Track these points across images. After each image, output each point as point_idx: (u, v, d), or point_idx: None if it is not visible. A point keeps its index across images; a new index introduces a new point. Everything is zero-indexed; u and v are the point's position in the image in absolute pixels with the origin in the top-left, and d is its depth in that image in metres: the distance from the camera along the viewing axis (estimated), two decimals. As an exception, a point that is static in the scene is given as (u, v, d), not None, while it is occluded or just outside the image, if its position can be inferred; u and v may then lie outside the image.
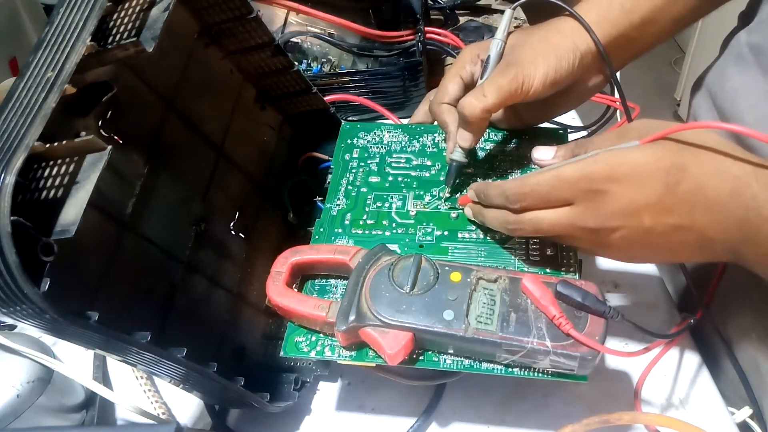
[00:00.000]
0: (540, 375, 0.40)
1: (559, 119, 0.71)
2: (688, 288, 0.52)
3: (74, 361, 0.54)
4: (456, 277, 0.42)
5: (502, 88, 0.45)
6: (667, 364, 0.51)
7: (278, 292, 0.45)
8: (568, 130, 0.55)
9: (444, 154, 0.52)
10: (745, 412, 0.50)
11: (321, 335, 0.44)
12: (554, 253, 0.46)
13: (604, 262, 0.58)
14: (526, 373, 0.41)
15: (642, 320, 0.50)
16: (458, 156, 0.49)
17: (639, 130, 0.39)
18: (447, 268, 0.42)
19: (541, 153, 0.45)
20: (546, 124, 0.71)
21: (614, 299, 0.56)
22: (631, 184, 0.37)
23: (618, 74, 0.73)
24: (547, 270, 0.45)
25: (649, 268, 0.58)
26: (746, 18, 0.57)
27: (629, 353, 0.40)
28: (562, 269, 0.45)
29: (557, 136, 0.54)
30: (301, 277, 0.48)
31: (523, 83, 0.45)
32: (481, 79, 0.48)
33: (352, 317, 0.41)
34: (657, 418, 0.44)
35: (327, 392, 0.53)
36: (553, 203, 0.40)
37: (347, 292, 0.43)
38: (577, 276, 0.44)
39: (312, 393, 0.53)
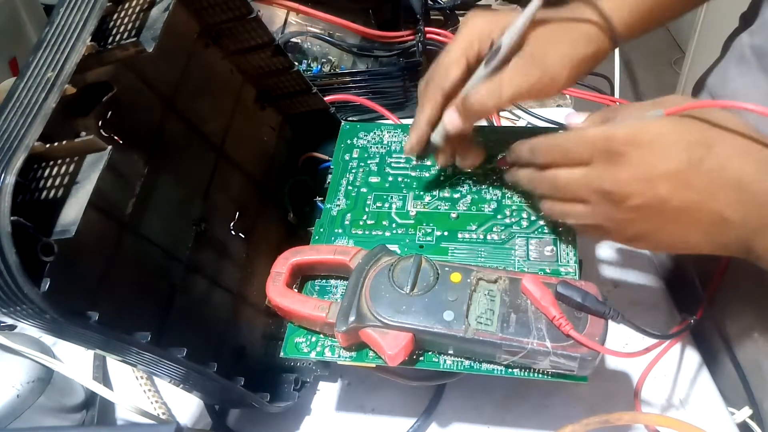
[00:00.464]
0: (540, 376, 0.40)
1: (558, 119, 0.72)
2: (687, 288, 0.52)
3: (74, 361, 0.54)
4: (456, 277, 0.42)
5: (522, 90, 0.42)
6: (667, 364, 0.51)
7: (278, 292, 0.45)
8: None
9: (410, 130, 0.48)
10: (745, 413, 0.49)
11: (321, 336, 0.44)
12: (554, 253, 0.46)
13: (604, 263, 0.58)
14: (526, 373, 0.41)
15: (642, 320, 0.50)
16: (438, 139, 0.47)
17: (672, 103, 0.38)
18: (447, 268, 0.42)
19: (573, 118, 0.43)
20: (545, 125, 0.72)
21: (614, 299, 0.55)
22: (652, 151, 0.36)
23: (617, 73, 0.74)
24: (547, 270, 0.45)
25: (650, 269, 0.58)
26: (747, 19, 0.57)
27: (629, 354, 0.40)
28: (562, 269, 0.45)
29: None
30: (301, 277, 0.48)
31: (543, 88, 0.43)
32: (486, 64, 0.43)
33: (352, 318, 0.41)
34: (657, 418, 0.44)
35: (327, 392, 0.53)
36: (573, 160, 0.40)
37: (347, 293, 0.43)
38: (577, 276, 0.44)
39: (312, 393, 0.53)
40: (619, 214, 0.38)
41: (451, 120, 0.45)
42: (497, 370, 0.41)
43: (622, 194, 0.37)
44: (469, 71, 0.45)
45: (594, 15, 0.44)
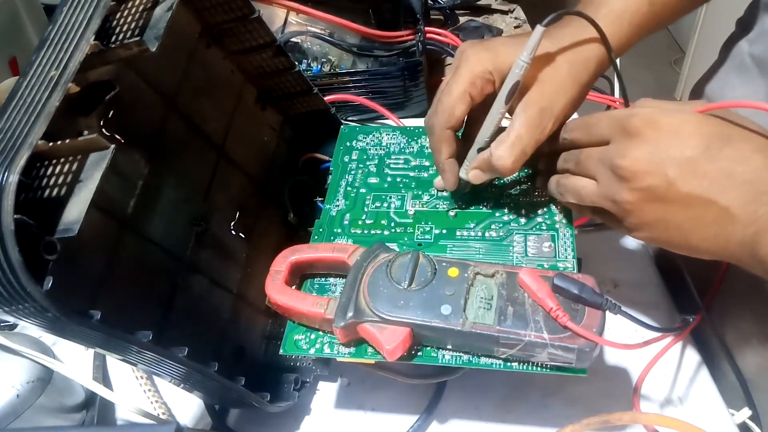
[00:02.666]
0: (539, 369, 0.40)
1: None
2: (687, 292, 0.52)
3: (74, 361, 0.54)
4: (453, 272, 0.42)
5: (540, 142, 0.43)
6: (666, 364, 0.51)
7: (277, 290, 0.45)
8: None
9: (437, 186, 0.51)
10: (744, 413, 0.50)
11: (320, 333, 0.44)
12: (552, 249, 0.46)
13: (604, 263, 0.58)
14: (524, 367, 0.41)
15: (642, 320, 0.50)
16: (466, 176, 0.47)
17: (699, 104, 0.39)
18: (444, 263, 0.43)
19: None
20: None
21: (614, 299, 0.56)
22: (669, 134, 0.37)
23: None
24: (545, 266, 0.45)
25: (650, 269, 0.58)
26: (744, 25, 0.57)
27: (626, 345, 0.40)
28: (560, 265, 0.45)
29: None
30: (301, 276, 0.48)
31: (555, 128, 0.44)
32: (507, 101, 0.43)
33: (350, 313, 0.41)
34: (657, 418, 0.44)
35: (327, 392, 0.53)
36: (595, 136, 0.41)
37: (345, 289, 0.43)
38: (575, 272, 0.44)
39: (312, 393, 0.53)
40: (624, 195, 0.38)
41: (478, 177, 0.46)
42: (496, 364, 0.41)
43: (631, 172, 0.37)
44: (472, 109, 0.45)
45: (594, 42, 0.44)
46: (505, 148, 0.42)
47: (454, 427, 0.50)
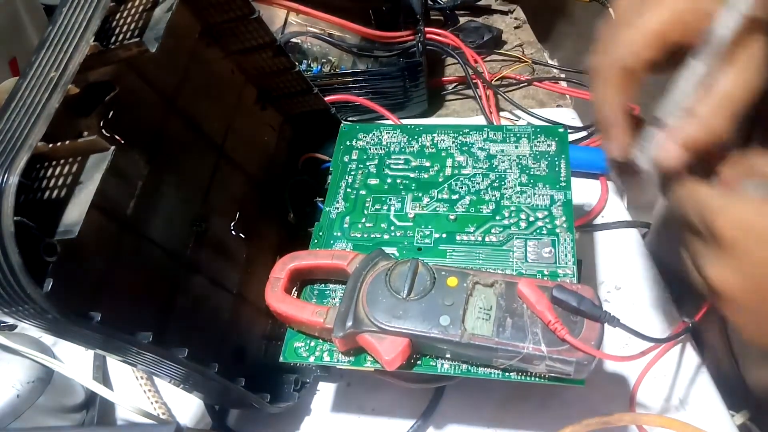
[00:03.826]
0: (537, 379, 0.40)
1: (557, 119, 0.72)
2: (690, 291, 0.52)
3: (74, 361, 0.54)
4: (452, 282, 0.42)
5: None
6: (667, 365, 0.51)
7: (277, 298, 0.45)
8: (568, 131, 0.55)
9: (609, 152, 0.36)
10: (745, 415, 0.50)
11: (320, 341, 0.44)
12: (552, 254, 0.46)
13: (605, 264, 0.58)
14: (522, 377, 0.41)
15: (642, 321, 0.50)
16: (647, 163, 0.34)
17: None
18: (443, 272, 0.42)
19: None
20: (545, 124, 0.71)
21: (615, 300, 0.56)
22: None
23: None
24: (545, 272, 0.45)
25: (651, 270, 0.58)
26: None
27: (625, 357, 0.40)
28: (560, 271, 0.45)
29: (557, 134, 0.54)
30: (300, 281, 0.48)
31: None
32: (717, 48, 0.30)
33: (349, 323, 0.41)
34: (657, 419, 0.44)
35: (327, 393, 0.53)
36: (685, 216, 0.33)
37: (344, 298, 0.43)
38: (575, 279, 0.44)
39: (312, 393, 0.53)
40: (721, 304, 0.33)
41: (668, 155, 0.32)
42: (494, 373, 0.41)
43: (720, 289, 0.32)
44: (664, 57, 0.32)
45: None
46: (711, 101, 0.30)
47: (454, 428, 0.50)
